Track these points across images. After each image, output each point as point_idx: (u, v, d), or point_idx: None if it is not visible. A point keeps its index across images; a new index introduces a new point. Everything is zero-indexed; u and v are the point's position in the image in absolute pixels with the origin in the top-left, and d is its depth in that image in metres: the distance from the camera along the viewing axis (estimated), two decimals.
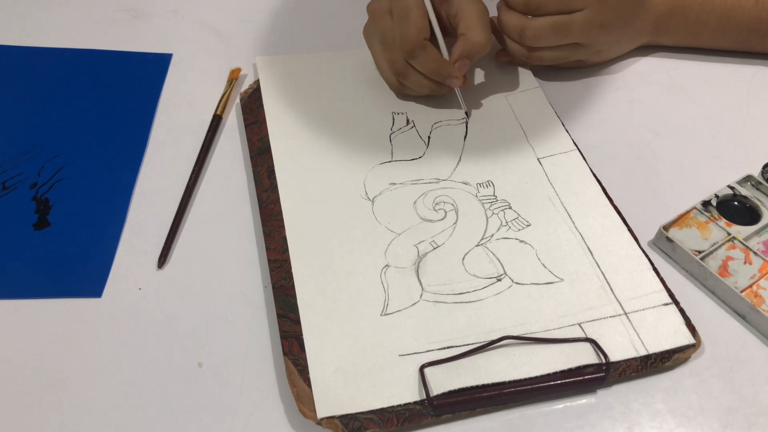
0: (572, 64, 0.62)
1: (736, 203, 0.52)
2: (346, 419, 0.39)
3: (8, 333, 0.44)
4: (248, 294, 0.47)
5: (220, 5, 0.71)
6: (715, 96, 0.62)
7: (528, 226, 0.50)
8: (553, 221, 0.50)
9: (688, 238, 0.49)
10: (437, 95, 0.59)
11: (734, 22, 0.60)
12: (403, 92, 0.59)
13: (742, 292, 0.46)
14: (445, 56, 0.56)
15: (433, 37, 0.55)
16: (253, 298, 0.47)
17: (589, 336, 0.43)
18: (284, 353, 0.43)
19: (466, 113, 0.58)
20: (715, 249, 0.48)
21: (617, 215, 0.50)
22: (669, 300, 0.45)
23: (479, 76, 0.62)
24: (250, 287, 0.47)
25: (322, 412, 0.40)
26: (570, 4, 0.55)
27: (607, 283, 0.46)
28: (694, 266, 0.48)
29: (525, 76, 0.62)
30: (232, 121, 0.59)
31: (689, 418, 0.41)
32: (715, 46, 0.64)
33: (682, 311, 0.45)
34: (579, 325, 0.44)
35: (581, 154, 0.55)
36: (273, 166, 0.54)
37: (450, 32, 0.57)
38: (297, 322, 0.44)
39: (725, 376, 0.43)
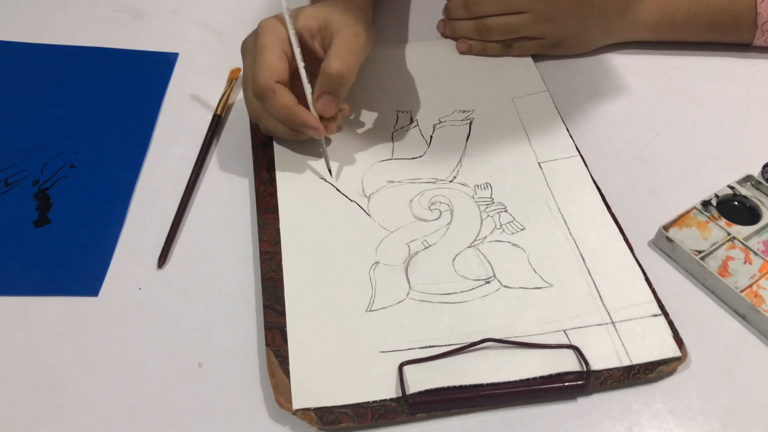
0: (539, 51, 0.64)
1: (736, 203, 0.52)
2: (321, 412, 0.40)
3: (4, 330, 0.44)
4: (249, 294, 0.47)
5: (220, 5, 0.71)
6: (715, 96, 0.62)
7: (522, 230, 0.50)
8: (548, 226, 0.50)
9: (688, 238, 0.49)
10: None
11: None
12: (268, 134, 0.54)
13: (742, 292, 0.45)
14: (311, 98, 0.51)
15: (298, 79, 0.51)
16: (254, 298, 0.47)
17: (573, 343, 0.43)
18: (267, 344, 0.43)
19: (329, 171, 0.53)
20: (715, 249, 0.48)
21: (614, 223, 0.50)
22: (658, 311, 0.45)
23: (487, 77, 0.62)
24: (251, 287, 0.47)
25: (298, 403, 0.40)
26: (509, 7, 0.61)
27: (597, 291, 0.46)
28: (694, 266, 0.48)
29: (533, 79, 0.62)
30: (232, 121, 0.59)
31: (689, 418, 0.41)
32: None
33: (671, 323, 0.44)
34: (564, 331, 0.44)
35: (583, 160, 0.54)
36: (273, 158, 0.54)
37: None
38: (282, 313, 0.44)
39: (725, 376, 0.43)
